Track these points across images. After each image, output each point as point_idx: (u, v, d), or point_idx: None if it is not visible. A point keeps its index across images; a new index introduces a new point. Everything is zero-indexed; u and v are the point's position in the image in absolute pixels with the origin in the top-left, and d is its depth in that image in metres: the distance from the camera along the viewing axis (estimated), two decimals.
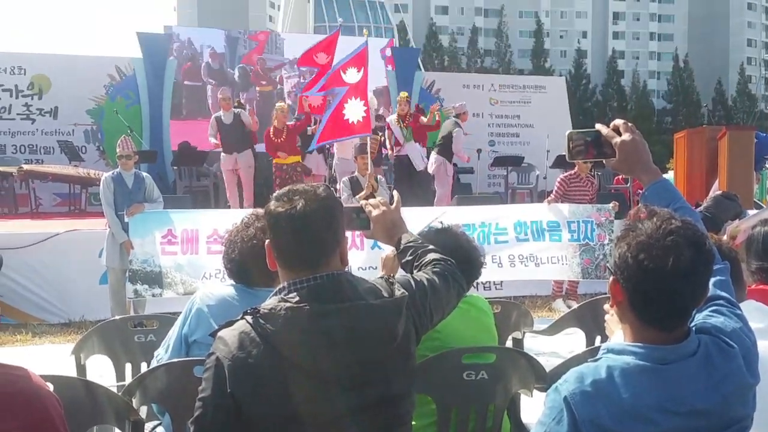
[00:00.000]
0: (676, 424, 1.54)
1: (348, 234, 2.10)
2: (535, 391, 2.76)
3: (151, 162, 12.23)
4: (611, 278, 1.65)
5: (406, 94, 11.39)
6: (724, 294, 1.80)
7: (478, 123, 15.23)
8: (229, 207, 10.55)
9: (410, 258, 2.27)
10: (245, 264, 2.74)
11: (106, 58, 15.41)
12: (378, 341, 1.86)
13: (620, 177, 13.28)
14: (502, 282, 8.37)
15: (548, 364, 2.94)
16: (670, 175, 10.58)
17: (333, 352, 1.79)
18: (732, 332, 1.69)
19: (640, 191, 2.01)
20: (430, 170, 10.77)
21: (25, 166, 12.01)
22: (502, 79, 19.25)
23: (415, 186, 10.43)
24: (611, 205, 7.91)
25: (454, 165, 11.43)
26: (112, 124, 13.26)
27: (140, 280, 6.72)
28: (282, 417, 1.76)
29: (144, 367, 3.29)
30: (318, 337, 1.78)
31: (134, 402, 2.61)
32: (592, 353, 2.33)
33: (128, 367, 3.49)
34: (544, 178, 13.26)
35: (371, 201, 2.37)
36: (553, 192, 8.29)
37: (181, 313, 2.81)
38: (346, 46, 9.56)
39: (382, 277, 2.05)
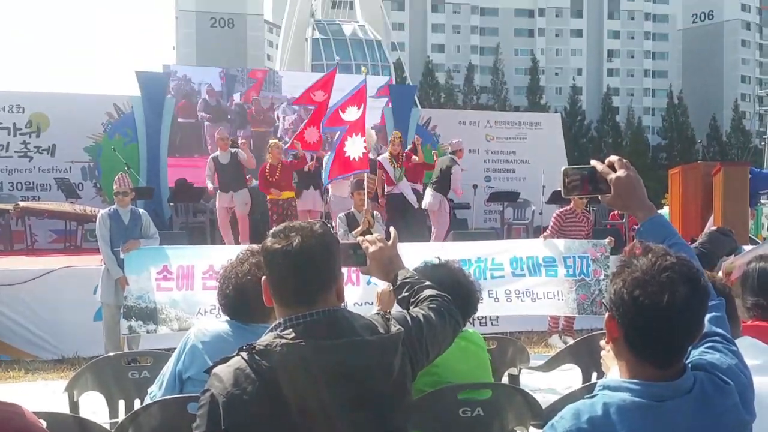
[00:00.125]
0: None
1: (344, 270, 2.11)
2: (531, 428, 2.74)
3: (147, 198, 12.25)
4: (607, 314, 1.65)
5: (399, 133, 11.44)
6: (719, 330, 1.80)
7: (475, 159, 15.30)
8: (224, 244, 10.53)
9: (407, 294, 2.27)
10: (240, 300, 2.74)
11: (104, 96, 15.53)
12: (374, 378, 1.85)
13: (616, 213, 13.31)
14: (498, 317, 8.35)
15: (544, 400, 2.93)
16: (665, 211, 10.60)
17: (329, 388, 1.78)
18: (728, 369, 1.68)
19: (636, 227, 2.02)
20: (426, 206, 10.80)
21: (22, 203, 12.01)
22: (498, 115, 19.41)
23: (410, 222, 10.44)
24: (607, 240, 7.92)
25: (450, 201, 11.46)
26: (109, 162, 13.31)
27: (135, 316, 6.69)
28: None
29: (137, 404, 3.27)
30: (314, 373, 1.77)
31: None
32: (588, 390, 2.32)
33: (122, 403, 3.46)
34: (540, 213, 13.29)
35: (368, 237, 2.38)
36: (549, 227, 8.31)
37: (175, 349, 2.80)
38: (344, 83, 9.68)
39: (378, 313, 2.06)
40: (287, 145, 11.02)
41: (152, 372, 3.27)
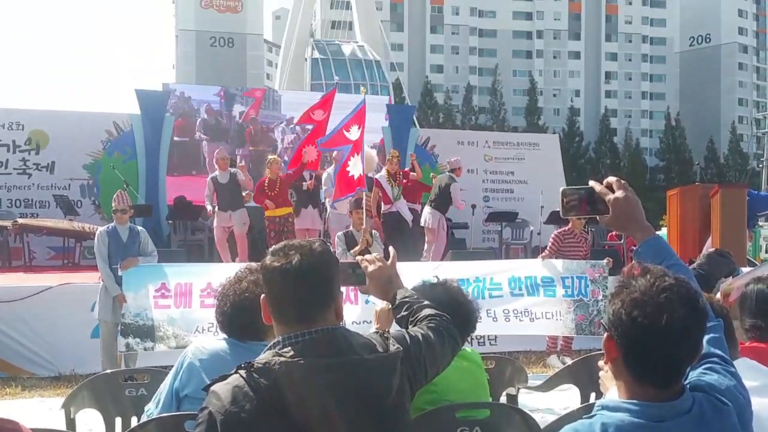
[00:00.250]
0: None
1: (342, 288, 2.11)
2: None
3: (146, 216, 12.25)
4: (605, 335, 1.66)
5: (397, 152, 11.48)
6: (718, 351, 1.80)
7: (473, 179, 15.33)
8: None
9: (405, 313, 2.27)
10: (237, 318, 2.74)
11: (104, 114, 15.55)
12: (372, 396, 1.86)
13: (614, 233, 13.32)
14: (496, 337, 8.34)
15: (543, 420, 2.92)
16: (663, 232, 10.62)
17: (327, 407, 1.78)
18: (726, 390, 1.69)
19: (634, 248, 2.02)
20: (423, 224, 10.82)
21: (20, 220, 12.01)
22: (497, 136, 19.45)
23: (407, 241, 10.44)
24: (605, 261, 7.92)
25: (449, 220, 11.48)
26: (108, 179, 13.31)
27: (132, 333, 6.66)
28: None
29: (134, 422, 3.25)
30: (312, 392, 1.77)
31: None
32: (586, 410, 2.32)
33: (118, 421, 3.45)
34: (538, 233, 13.30)
35: (367, 257, 2.39)
36: (548, 248, 8.31)
37: (172, 367, 2.80)
38: (343, 103, 9.72)
39: (377, 332, 2.06)
40: (287, 165, 11.04)
41: (149, 389, 3.27)
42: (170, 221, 13.28)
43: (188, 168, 15.66)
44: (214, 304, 2.92)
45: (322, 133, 9.94)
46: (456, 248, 11.63)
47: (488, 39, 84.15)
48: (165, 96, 15.71)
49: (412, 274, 6.38)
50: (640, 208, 1.98)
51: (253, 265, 2.82)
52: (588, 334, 7.74)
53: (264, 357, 1.84)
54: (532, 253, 12.61)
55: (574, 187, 2.04)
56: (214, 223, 10.72)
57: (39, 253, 12.86)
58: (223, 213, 10.49)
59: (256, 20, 71.79)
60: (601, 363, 1.82)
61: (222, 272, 6.44)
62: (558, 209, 2.05)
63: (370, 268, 2.34)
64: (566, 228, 8.42)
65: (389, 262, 2.39)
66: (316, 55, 33.72)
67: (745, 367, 2.20)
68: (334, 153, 10.98)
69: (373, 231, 8.75)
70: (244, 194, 10.70)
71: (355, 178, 8.86)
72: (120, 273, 6.81)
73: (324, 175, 11.12)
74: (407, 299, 2.31)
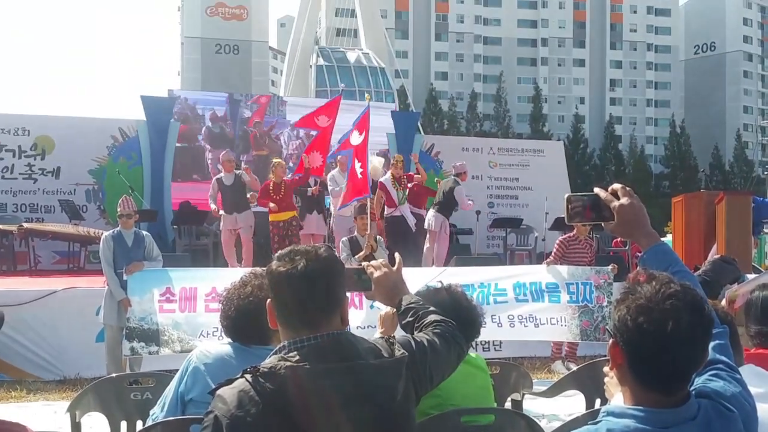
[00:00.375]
0: None
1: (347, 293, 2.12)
2: None
3: (151, 221, 12.28)
4: (611, 341, 1.65)
5: (401, 156, 11.50)
6: (723, 358, 1.80)
7: (478, 185, 15.34)
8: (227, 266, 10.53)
9: (411, 319, 2.28)
10: (242, 322, 2.75)
11: (109, 120, 15.58)
12: (378, 401, 1.86)
13: (618, 240, 13.30)
14: (501, 342, 8.34)
15: (548, 426, 2.93)
16: (667, 239, 10.60)
17: (333, 411, 1.78)
18: (732, 397, 1.68)
19: (639, 254, 2.02)
20: (427, 226, 10.83)
21: (26, 224, 12.03)
22: (501, 142, 19.46)
23: (409, 245, 10.44)
24: (610, 267, 7.91)
25: (453, 225, 11.48)
26: (113, 184, 13.36)
27: (137, 337, 6.69)
28: None
29: (140, 426, 3.27)
30: (318, 396, 1.78)
31: None
32: (592, 416, 2.32)
33: (124, 425, 3.46)
34: (543, 239, 13.29)
35: (373, 263, 2.39)
36: (552, 254, 8.30)
37: (177, 371, 2.80)
38: (348, 110, 9.74)
39: (382, 337, 2.06)
40: (292, 172, 11.06)
41: (154, 393, 3.27)
42: (175, 226, 13.31)
43: (189, 174, 15.69)
44: (219, 309, 2.93)
45: (326, 140, 9.96)
46: (460, 254, 11.63)
47: (493, 47, 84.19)
48: (170, 102, 15.75)
49: (416, 279, 6.41)
50: (646, 215, 1.98)
51: (259, 269, 2.83)
52: (593, 340, 7.74)
53: (270, 361, 1.84)
54: (537, 259, 12.60)
55: (579, 194, 2.04)
56: (221, 227, 10.74)
57: (44, 258, 12.89)
58: (229, 216, 10.52)
59: (262, 27, 71.98)
60: (606, 369, 1.81)
61: (226, 277, 6.45)
62: (563, 215, 2.06)
63: (376, 273, 2.35)
64: (571, 234, 8.42)
65: (395, 268, 2.40)
66: (321, 62, 33.76)
67: (750, 373, 2.20)
68: (339, 157, 11.00)
69: (378, 237, 8.75)
70: (248, 195, 10.73)
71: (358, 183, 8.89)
72: (125, 277, 6.84)
73: (328, 177, 11.14)
74: (413, 305, 2.31)
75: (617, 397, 1.73)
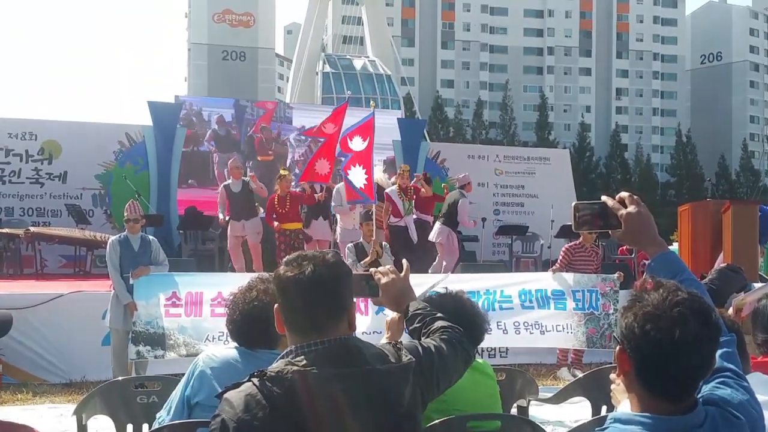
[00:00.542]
0: None
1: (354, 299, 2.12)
2: None
3: (157, 226, 12.31)
4: (618, 348, 1.66)
5: (408, 167, 11.50)
6: (731, 366, 1.80)
7: (484, 192, 15.35)
8: (234, 271, 10.53)
9: (418, 325, 2.28)
10: (247, 326, 2.75)
11: (116, 125, 15.67)
12: (385, 407, 1.86)
13: (625, 247, 13.31)
14: (507, 349, 8.33)
15: None
16: (674, 248, 10.58)
17: (340, 416, 1.79)
18: (739, 404, 1.68)
19: (645, 262, 2.03)
20: (433, 239, 10.82)
21: (32, 228, 12.09)
22: (507, 150, 19.49)
23: (411, 256, 10.40)
24: (616, 275, 7.90)
25: (459, 233, 11.48)
26: (120, 189, 13.42)
27: (143, 341, 6.70)
28: None
29: (146, 429, 3.28)
30: (325, 401, 1.78)
31: None
32: (598, 423, 2.32)
33: (130, 428, 3.47)
34: (549, 247, 13.28)
35: (381, 269, 2.40)
36: (558, 261, 8.29)
37: (183, 375, 2.81)
38: (354, 116, 9.76)
39: (389, 343, 2.07)
40: (298, 178, 11.07)
41: (161, 397, 3.28)
42: (181, 231, 13.35)
43: (196, 179, 15.74)
44: (225, 314, 2.94)
45: (333, 147, 9.98)
46: (466, 261, 11.64)
47: (499, 55, 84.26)
48: (177, 108, 15.83)
49: (421, 285, 6.42)
50: (653, 224, 1.98)
51: (265, 274, 2.84)
52: (599, 347, 7.74)
53: (277, 366, 1.84)
54: (543, 266, 12.59)
55: (586, 201, 2.05)
56: (228, 233, 10.75)
57: (51, 261, 12.94)
58: (236, 223, 10.52)
59: (268, 35, 72.26)
60: (613, 376, 1.81)
61: (232, 282, 6.48)
62: (569, 223, 2.07)
63: (384, 280, 2.35)
64: (577, 242, 8.41)
65: (402, 274, 2.41)
66: (328, 69, 33.92)
67: (757, 381, 2.20)
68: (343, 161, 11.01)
69: (384, 243, 8.76)
70: (256, 205, 10.74)
71: (357, 186, 8.89)
72: (131, 281, 6.85)
73: (334, 190, 11.16)
74: (420, 311, 2.32)
75: (624, 404, 1.73)
